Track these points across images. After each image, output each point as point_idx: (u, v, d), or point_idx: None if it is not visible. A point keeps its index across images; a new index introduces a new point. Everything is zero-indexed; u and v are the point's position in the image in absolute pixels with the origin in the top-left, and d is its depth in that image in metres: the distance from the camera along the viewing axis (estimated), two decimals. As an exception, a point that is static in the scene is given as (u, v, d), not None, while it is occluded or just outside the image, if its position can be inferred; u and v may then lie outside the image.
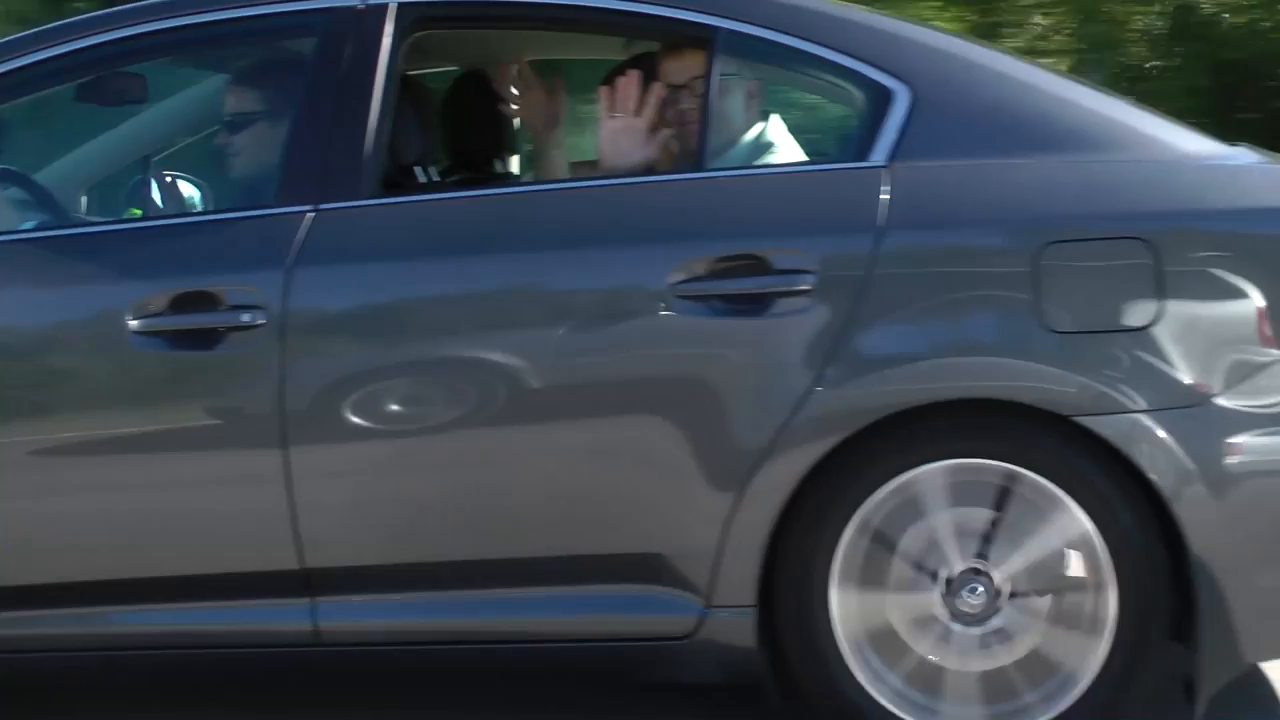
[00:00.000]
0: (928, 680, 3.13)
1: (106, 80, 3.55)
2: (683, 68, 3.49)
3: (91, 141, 5.07)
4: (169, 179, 4.63)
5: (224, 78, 4.19)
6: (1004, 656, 3.12)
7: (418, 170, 3.70)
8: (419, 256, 3.21)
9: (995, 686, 3.12)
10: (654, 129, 3.43)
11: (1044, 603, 3.09)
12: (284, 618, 3.24)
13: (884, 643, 3.14)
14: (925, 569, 3.11)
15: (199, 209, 4.53)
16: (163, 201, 4.31)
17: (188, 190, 4.72)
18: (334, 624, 3.24)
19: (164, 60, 3.75)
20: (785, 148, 3.51)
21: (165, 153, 4.70)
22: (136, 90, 3.87)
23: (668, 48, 3.52)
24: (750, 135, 3.49)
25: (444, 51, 4.31)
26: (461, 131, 4.32)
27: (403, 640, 3.26)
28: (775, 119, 3.52)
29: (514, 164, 4.55)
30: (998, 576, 3.09)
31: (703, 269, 3.10)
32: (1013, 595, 3.09)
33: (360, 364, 3.18)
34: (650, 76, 4.05)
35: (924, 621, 3.12)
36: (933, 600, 3.11)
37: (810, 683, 3.18)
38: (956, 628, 3.11)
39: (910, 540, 3.11)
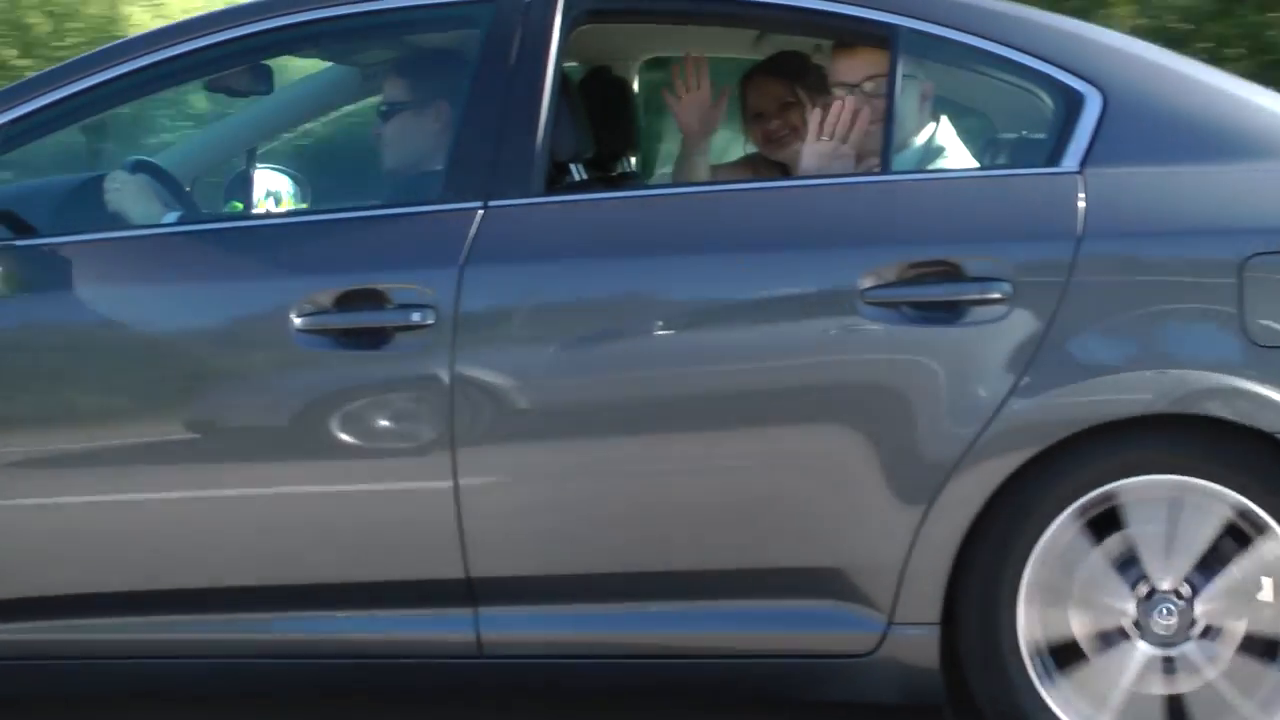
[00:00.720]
0: (1109, 700, 3.03)
1: (255, 69, 3.45)
2: (856, 66, 3.39)
3: (195, 134, 5.00)
4: (267, 172, 4.55)
5: (339, 69, 4.11)
6: (1186, 684, 3.02)
7: (572, 168, 3.60)
8: (594, 256, 3.10)
9: (1176, 712, 3.02)
10: (861, 157, 3.33)
11: (1235, 628, 2.99)
12: (447, 627, 3.14)
13: (1068, 660, 3.04)
14: (1117, 586, 3.01)
15: (295, 203, 4.45)
16: (261, 195, 4.23)
17: (284, 184, 4.64)
18: (496, 635, 3.14)
19: (319, 51, 3.65)
20: (955, 151, 3.42)
21: (267, 145, 4.63)
22: (264, 81, 3.80)
23: (841, 46, 3.41)
24: (922, 138, 3.39)
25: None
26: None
27: (565, 653, 3.16)
28: (945, 121, 3.42)
29: (634, 164, 4.45)
30: (1196, 604, 2.99)
31: (893, 275, 3.00)
32: (1205, 625, 2.99)
33: (532, 366, 3.07)
34: (789, 75, 3.99)
35: (1111, 639, 3.02)
36: (1124, 617, 3.01)
37: (990, 703, 3.08)
38: (1144, 646, 3.01)
39: (1100, 557, 3.01)
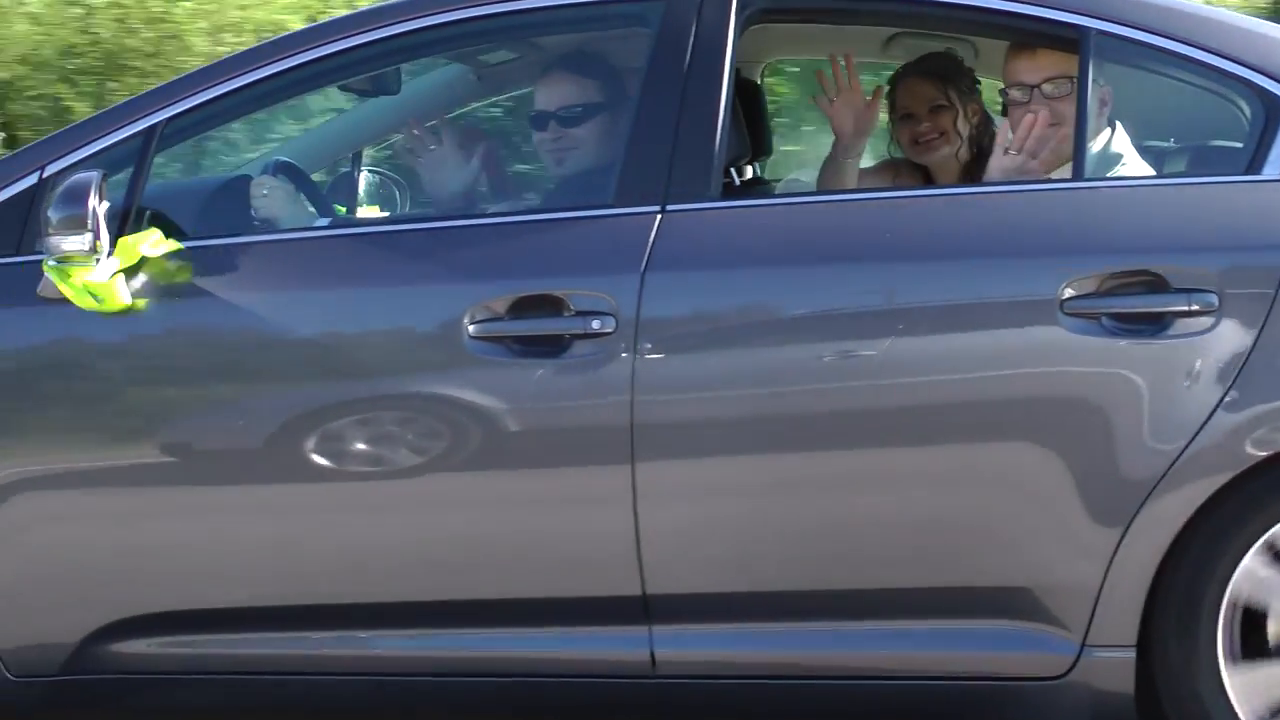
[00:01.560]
0: None
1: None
2: (1036, 67, 3.28)
3: (300, 135, 4.91)
4: (375, 176, 4.46)
5: (452, 69, 4.01)
6: None
7: (732, 171, 3.50)
8: (779, 263, 3.00)
9: None
10: (1048, 169, 3.22)
11: None
12: (621, 646, 3.04)
13: (1272, 685, 2.93)
14: None
15: (399, 208, 4.36)
16: (368, 199, 4.14)
17: (387, 188, 4.55)
18: (671, 653, 3.04)
19: (477, 49, 3.55)
20: (1131, 158, 3.31)
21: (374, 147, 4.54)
22: (395, 80, 3.71)
23: (1020, 46, 3.31)
24: (1099, 144, 3.28)
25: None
26: None
27: (742, 673, 3.06)
28: (1120, 127, 3.32)
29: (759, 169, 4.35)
30: None
31: (1094, 285, 2.89)
32: None
33: (714, 377, 2.97)
34: (942, 77, 3.88)
35: None
36: None
37: (1183, 729, 2.98)
38: None
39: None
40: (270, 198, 3.41)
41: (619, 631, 3.04)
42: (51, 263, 3.04)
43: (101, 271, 2.99)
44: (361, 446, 3.05)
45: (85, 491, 3.10)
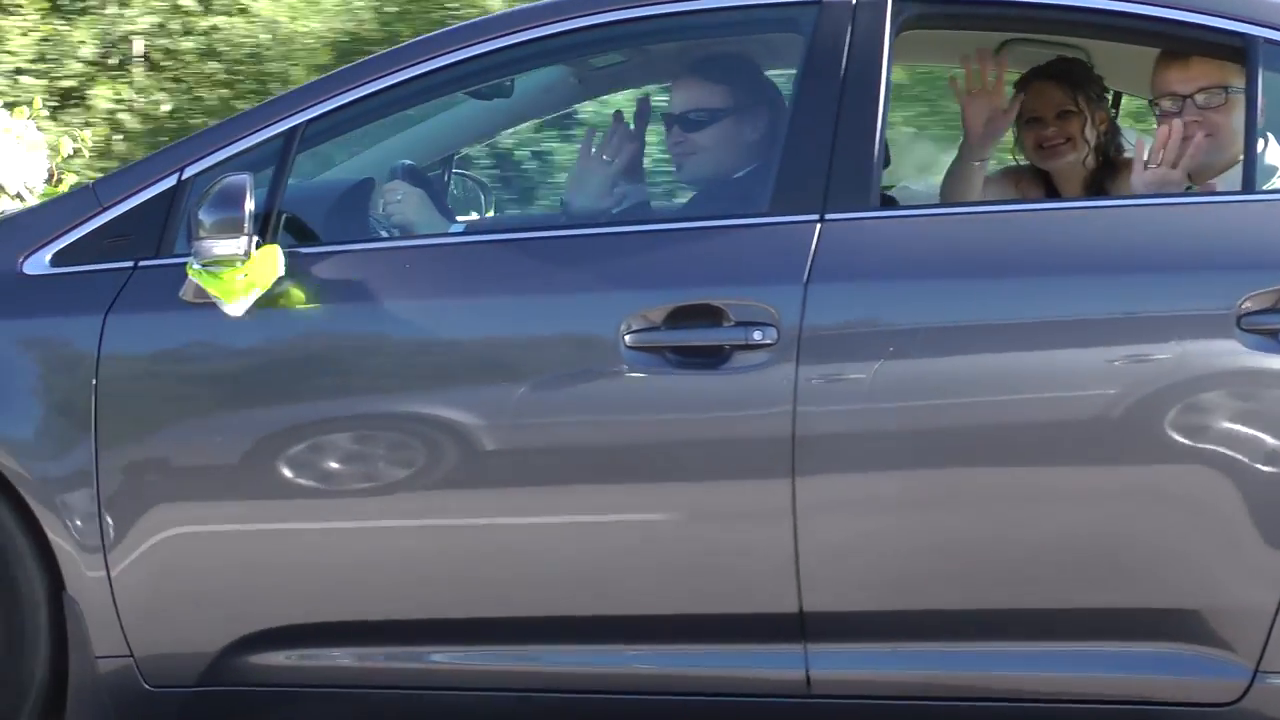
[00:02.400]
0: None
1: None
2: (1190, 77, 3.21)
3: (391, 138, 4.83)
4: (464, 179, 4.39)
5: (553, 70, 3.93)
6: None
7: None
8: (942, 275, 2.93)
9: None
10: (1197, 180, 3.15)
11: None
12: (774, 664, 2.97)
13: None
14: None
15: (484, 212, 4.30)
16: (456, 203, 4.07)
17: (473, 192, 4.49)
18: (827, 673, 2.96)
19: (619, 52, 3.48)
20: None
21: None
22: (506, 86, 3.64)
23: (1171, 55, 3.23)
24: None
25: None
26: None
27: (899, 694, 2.99)
28: (1272, 139, 3.25)
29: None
30: None
31: (1272, 300, 2.82)
32: None
33: (878, 390, 2.90)
34: (1072, 82, 3.80)
35: None
36: None
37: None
38: None
39: None
40: (403, 202, 3.35)
41: (773, 649, 2.97)
42: (196, 265, 2.97)
43: (248, 298, 2.94)
44: (508, 457, 2.98)
45: (225, 501, 3.03)
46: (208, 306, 3.00)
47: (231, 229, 2.91)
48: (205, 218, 2.92)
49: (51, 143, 4.34)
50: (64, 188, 4.33)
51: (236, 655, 3.06)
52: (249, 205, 2.91)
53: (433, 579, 3.02)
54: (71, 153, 4.39)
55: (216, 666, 3.07)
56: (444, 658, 3.04)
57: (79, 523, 3.02)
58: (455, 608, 3.02)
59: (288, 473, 3.01)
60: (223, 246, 2.91)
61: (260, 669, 3.07)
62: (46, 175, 4.27)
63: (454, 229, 3.42)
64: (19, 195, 4.15)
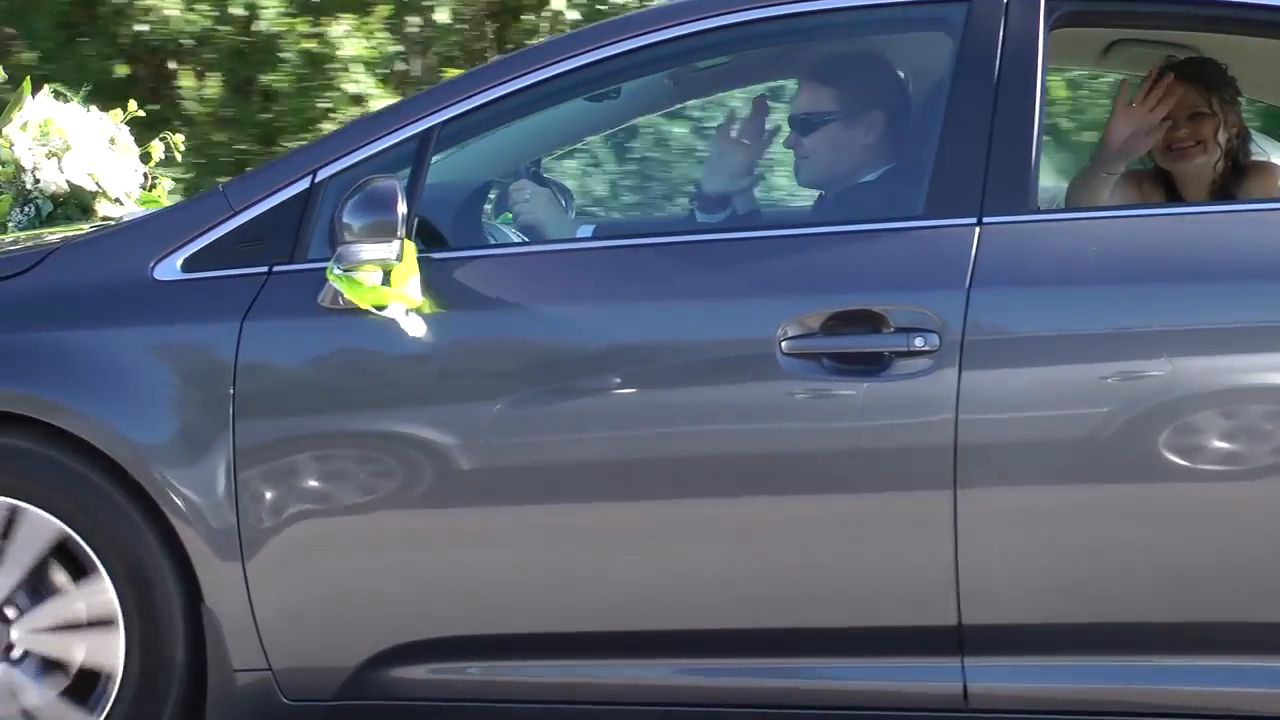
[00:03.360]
0: None
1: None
2: None
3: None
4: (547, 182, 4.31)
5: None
6: None
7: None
8: (1106, 280, 2.86)
9: None
10: None
11: None
12: (932, 678, 2.90)
13: None
14: None
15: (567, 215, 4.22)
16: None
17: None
18: (984, 687, 2.90)
19: (765, 49, 3.40)
20: None
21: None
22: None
23: None
24: None
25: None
26: None
27: (1057, 708, 2.92)
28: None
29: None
30: None
31: None
32: None
33: (1039, 397, 2.83)
34: (1207, 83, 3.73)
35: None
36: None
37: None
38: None
39: None
40: (533, 203, 3.28)
41: (931, 663, 2.90)
42: (337, 270, 2.90)
43: (396, 305, 2.87)
44: (658, 467, 2.91)
45: (366, 512, 2.96)
46: (347, 312, 2.93)
47: (383, 233, 2.84)
48: (353, 222, 2.85)
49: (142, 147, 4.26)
50: (159, 192, 4.25)
51: (376, 669, 2.99)
52: (401, 209, 2.84)
53: (579, 592, 2.95)
54: (163, 156, 4.31)
55: (356, 680, 3.00)
56: (593, 672, 2.96)
57: (217, 533, 2.95)
58: (604, 621, 2.95)
59: (430, 484, 2.94)
60: (371, 251, 2.84)
61: (400, 683, 3.00)
62: (142, 180, 4.20)
63: (581, 231, 3.35)
64: (118, 200, 4.07)
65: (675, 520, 2.92)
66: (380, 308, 2.88)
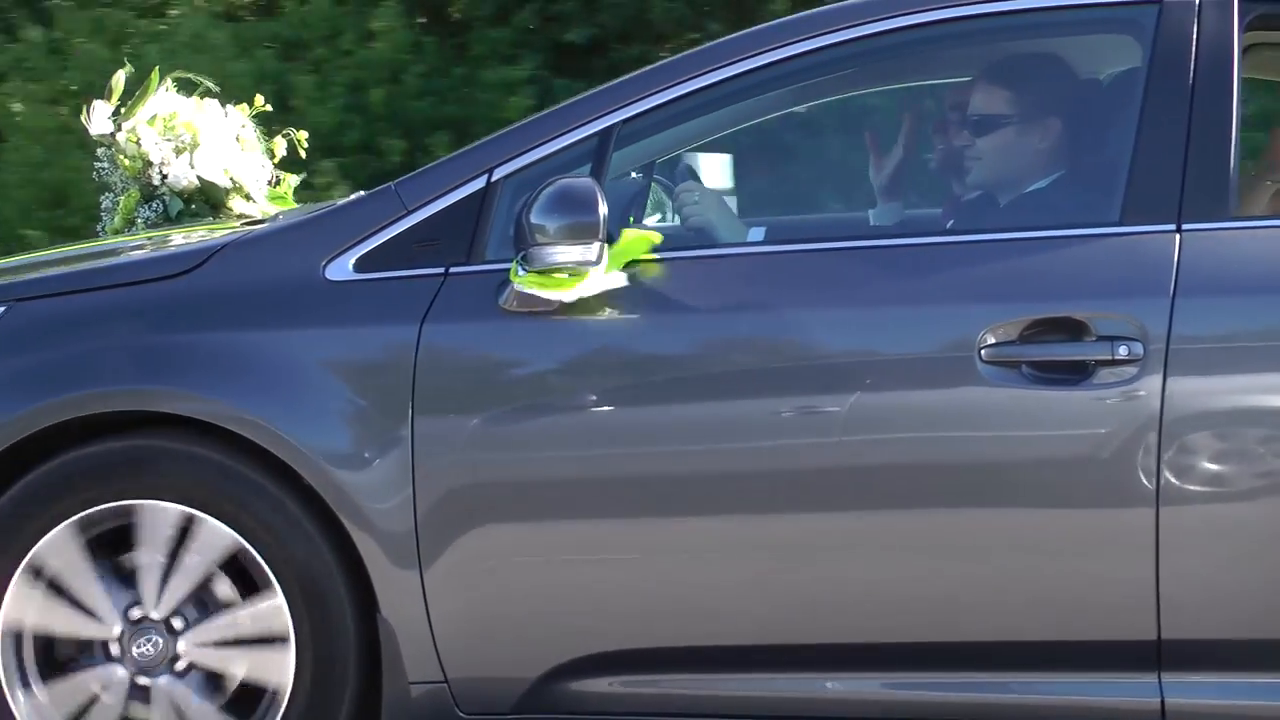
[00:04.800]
0: None
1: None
2: None
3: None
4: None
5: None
6: None
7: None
8: None
9: None
10: None
11: None
12: (1129, 693, 2.84)
13: None
14: None
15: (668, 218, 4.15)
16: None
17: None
18: (1183, 702, 2.83)
19: (950, 52, 3.32)
20: None
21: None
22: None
23: None
24: None
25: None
26: None
27: None
28: None
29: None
30: None
31: None
32: None
33: (1244, 408, 2.77)
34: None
35: None
36: None
37: None
38: None
39: None
40: (702, 205, 3.20)
41: (1127, 678, 2.83)
42: (523, 272, 2.83)
43: (598, 281, 2.79)
44: (850, 476, 2.84)
45: (549, 520, 2.89)
46: (530, 316, 2.87)
47: (583, 235, 2.77)
48: (546, 223, 2.78)
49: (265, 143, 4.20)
50: (285, 189, 4.19)
51: (556, 681, 2.92)
52: (603, 209, 2.77)
53: (775, 605, 2.88)
54: (285, 153, 4.24)
55: (535, 692, 2.93)
56: (788, 685, 2.89)
57: (394, 540, 2.88)
58: (801, 634, 2.88)
59: (615, 492, 2.87)
60: (568, 253, 2.77)
61: (580, 696, 2.93)
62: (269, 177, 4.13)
63: (752, 233, 3.27)
64: (250, 197, 4.01)
65: (871, 531, 2.85)
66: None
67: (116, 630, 2.95)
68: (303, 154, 4.24)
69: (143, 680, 2.97)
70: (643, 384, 2.88)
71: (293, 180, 4.21)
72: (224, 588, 2.97)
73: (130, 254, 3.44)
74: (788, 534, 2.85)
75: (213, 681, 2.98)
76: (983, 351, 2.78)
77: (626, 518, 2.88)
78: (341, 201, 3.25)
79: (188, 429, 2.94)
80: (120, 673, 2.96)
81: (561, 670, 2.92)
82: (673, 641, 2.91)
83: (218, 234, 3.30)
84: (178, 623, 2.96)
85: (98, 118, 4.00)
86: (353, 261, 2.99)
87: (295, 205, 4.15)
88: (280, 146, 4.22)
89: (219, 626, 2.96)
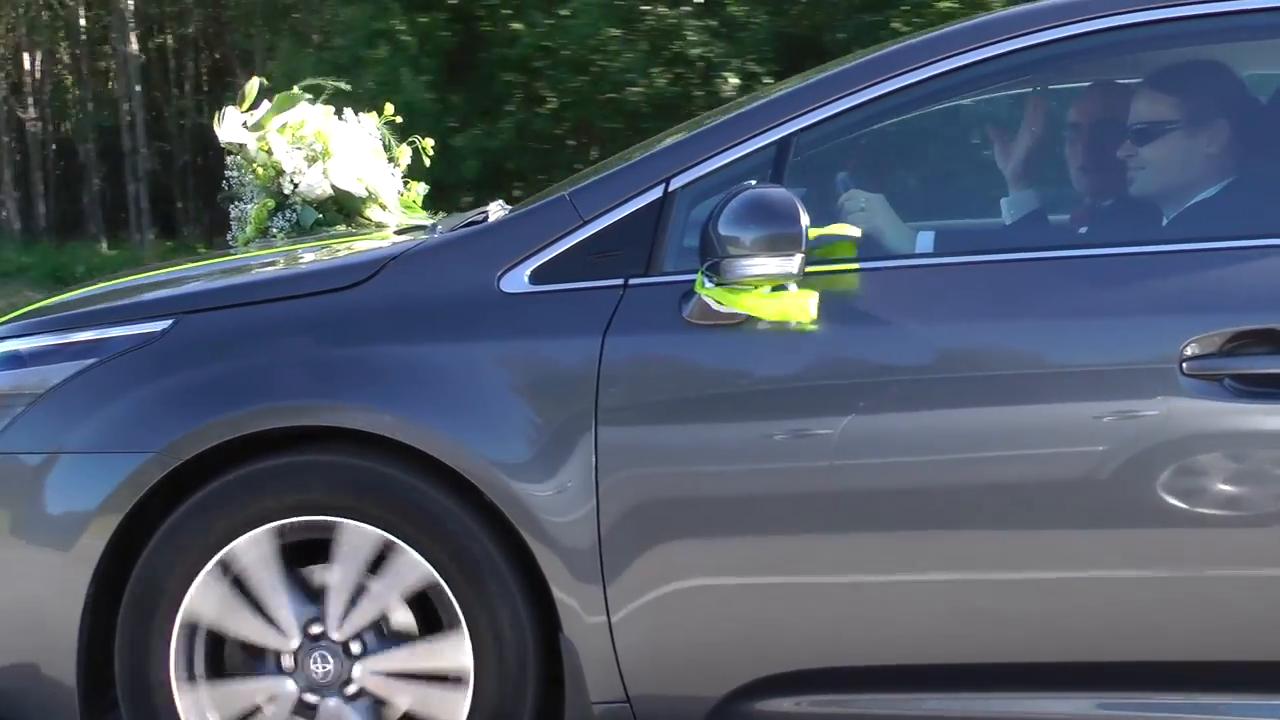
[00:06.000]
0: None
1: None
2: None
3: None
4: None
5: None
6: None
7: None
8: None
9: None
10: None
11: None
12: None
13: None
14: None
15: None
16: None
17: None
18: None
19: (1143, 55, 3.24)
20: None
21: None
22: None
23: None
24: None
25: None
26: None
27: None
28: None
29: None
30: None
31: None
32: None
33: None
34: None
35: None
36: None
37: None
38: None
39: None
40: (870, 212, 3.13)
41: None
42: (708, 284, 2.78)
43: (798, 302, 2.74)
44: (1050, 491, 2.77)
45: (737, 537, 2.83)
46: (717, 328, 2.81)
47: (784, 247, 2.71)
48: (741, 234, 2.72)
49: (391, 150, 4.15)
50: (414, 196, 4.14)
51: (740, 701, 2.87)
52: (805, 220, 2.71)
53: (971, 623, 2.82)
54: (409, 161, 4.19)
55: (719, 712, 2.87)
56: (987, 705, 2.83)
57: (577, 557, 2.83)
58: (998, 653, 2.82)
59: (803, 508, 2.81)
60: (765, 265, 2.71)
61: (764, 715, 2.87)
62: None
63: (921, 239, 3.21)
64: (385, 206, 3.96)
65: (1069, 546, 2.78)
66: (783, 320, 2.75)
67: (294, 644, 2.91)
68: (426, 161, 4.19)
69: (310, 698, 2.93)
70: (833, 397, 2.82)
71: (420, 188, 4.15)
72: (402, 615, 2.92)
73: (294, 265, 3.39)
74: (982, 550, 2.80)
75: (377, 708, 2.94)
76: (1184, 364, 2.72)
77: (814, 534, 2.81)
78: (514, 212, 3.18)
79: (377, 449, 2.88)
80: (290, 686, 2.92)
81: (746, 690, 2.86)
82: (862, 660, 2.85)
83: (373, 245, 3.25)
84: (355, 646, 2.91)
85: (229, 125, 3.95)
86: (528, 273, 2.93)
87: (426, 213, 4.10)
88: (405, 154, 4.17)
89: (398, 657, 2.91)
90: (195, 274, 3.46)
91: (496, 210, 3.37)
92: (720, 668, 2.86)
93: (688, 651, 2.86)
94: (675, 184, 2.94)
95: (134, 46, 17.07)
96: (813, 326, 2.78)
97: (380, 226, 3.89)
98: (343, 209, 3.92)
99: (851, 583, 2.83)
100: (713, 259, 2.76)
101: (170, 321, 2.98)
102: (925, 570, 2.81)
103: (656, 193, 2.94)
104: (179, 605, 2.89)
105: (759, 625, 2.85)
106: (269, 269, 3.38)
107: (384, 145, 4.08)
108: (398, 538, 2.85)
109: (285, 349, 2.93)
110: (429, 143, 4.18)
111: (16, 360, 3.07)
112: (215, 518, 2.88)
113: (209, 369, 2.92)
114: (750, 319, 2.80)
